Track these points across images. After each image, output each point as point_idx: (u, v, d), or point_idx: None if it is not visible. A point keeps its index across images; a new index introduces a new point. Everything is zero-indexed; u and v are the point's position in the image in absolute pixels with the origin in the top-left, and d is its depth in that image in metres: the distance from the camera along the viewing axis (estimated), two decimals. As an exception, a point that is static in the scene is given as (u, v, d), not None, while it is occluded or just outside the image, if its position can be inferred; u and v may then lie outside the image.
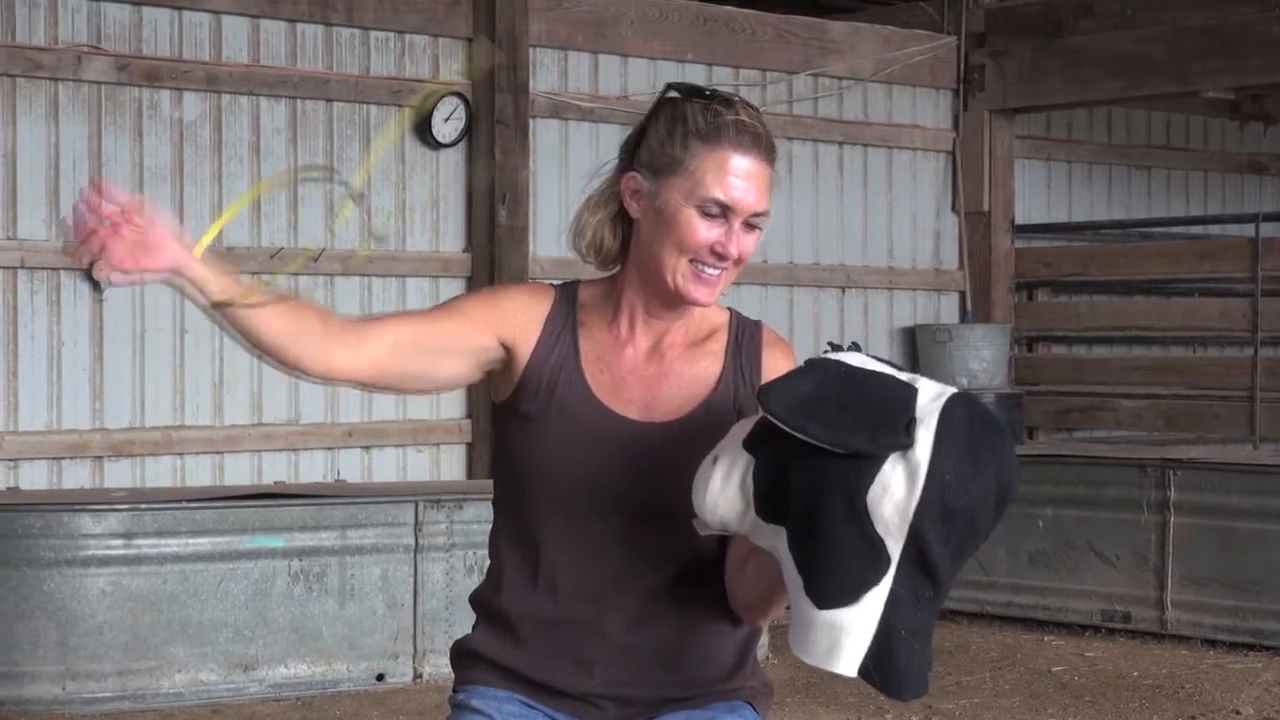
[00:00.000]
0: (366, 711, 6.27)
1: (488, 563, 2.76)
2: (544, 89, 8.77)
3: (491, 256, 8.45)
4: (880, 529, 2.25)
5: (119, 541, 6.25)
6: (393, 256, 8.37)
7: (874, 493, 2.24)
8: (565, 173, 8.82)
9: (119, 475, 7.63)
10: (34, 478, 7.43)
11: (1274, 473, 7.40)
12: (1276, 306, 9.53)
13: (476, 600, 2.76)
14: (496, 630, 2.69)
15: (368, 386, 2.62)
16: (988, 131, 10.21)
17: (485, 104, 8.46)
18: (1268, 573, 7.28)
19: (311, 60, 8.18)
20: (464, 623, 2.96)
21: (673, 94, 2.63)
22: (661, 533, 2.60)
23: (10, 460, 7.39)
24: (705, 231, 2.57)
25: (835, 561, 2.27)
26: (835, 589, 2.27)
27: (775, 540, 2.36)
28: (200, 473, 7.86)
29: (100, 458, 7.60)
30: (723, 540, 2.61)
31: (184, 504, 6.42)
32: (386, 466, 8.37)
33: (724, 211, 2.57)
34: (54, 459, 7.50)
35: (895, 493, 2.24)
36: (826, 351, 2.40)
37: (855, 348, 2.43)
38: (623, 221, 2.67)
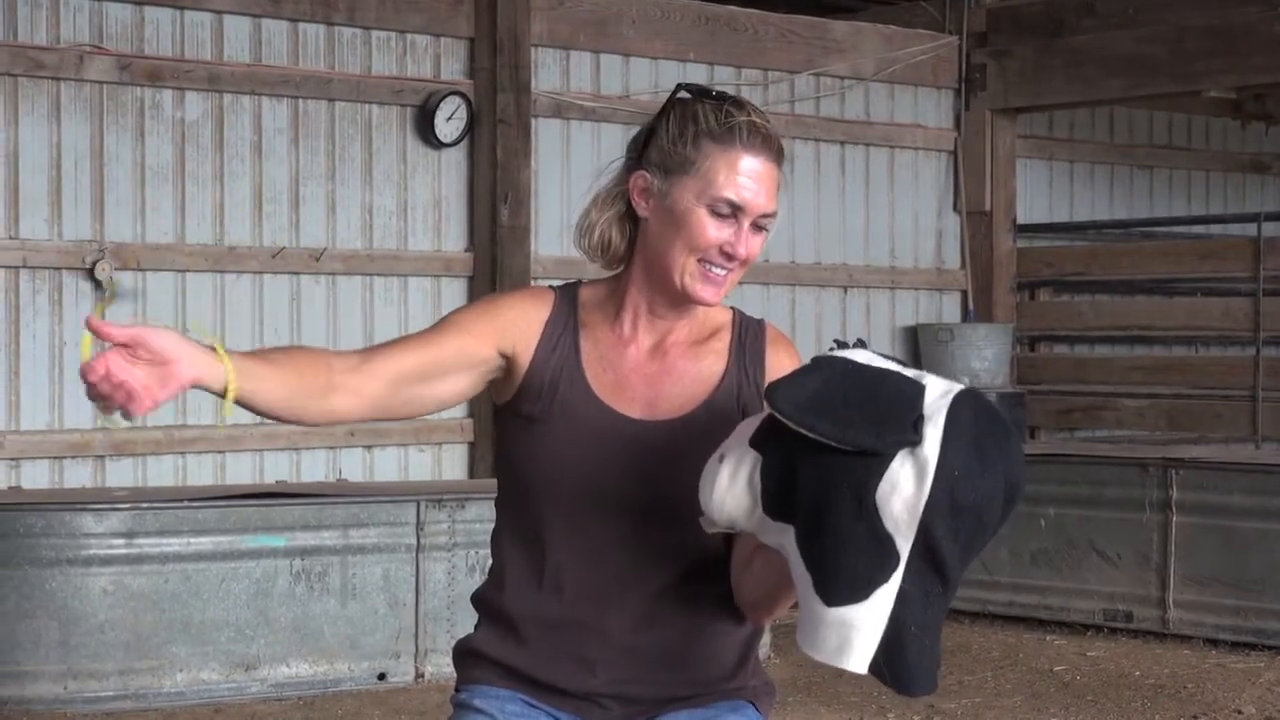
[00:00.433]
0: (368, 711, 6.27)
1: (490, 562, 2.76)
2: (546, 88, 8.77)
3: (493, 256, 8.45)
4: (889, 526, 2.25)
5: (121, 541, 6.24)
6: (395, 256, 8.37)
7: (883, 490, 2.24)
8: (567, 172, 8.82)
9: (121, 474, 7.64)
10: (36, 477, 7.43)
11: (1276, 472, 7.39)
12: (1278, 306, 9.53)
13: (479, 600, 2.76)
14: (499, 630, 2.69)
15: (372, 420, 2.62)
16: (990, 131, 10.22)
17: (487, 104, 8.46)
18: (1270, 572, 7.28)
19: (313, 60, 8.18)
20: (466, 622, 2.96)
21: (684, 94, 2.64)
22: (665, 531, 2.60)
23: (12, 460, 7.40)
24: (715, 231, 2.57)
25: (844, 559, 2.26)
26: (845, 586, 2.27)
27: (782, 538, 2.36)
28: (202, 472, 7.86)
29: (102, 457, 7.60)
30: (727, 538, 2.61)
31: (186, 503, 6.42)
32: (388, 466, 8.38)
33: (734, 212, 2.57)
34: (56, 458, 7.50)
35: (904, 489, 2.24)
36: (833, 349, 2.40)
37: (861, 344, 2.43)
38: (630, 221, 2.67)
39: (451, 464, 8.56)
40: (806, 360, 2.44)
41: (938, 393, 2.30)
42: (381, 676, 6.57)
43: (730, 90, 2.72)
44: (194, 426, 7.82)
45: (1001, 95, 10.15)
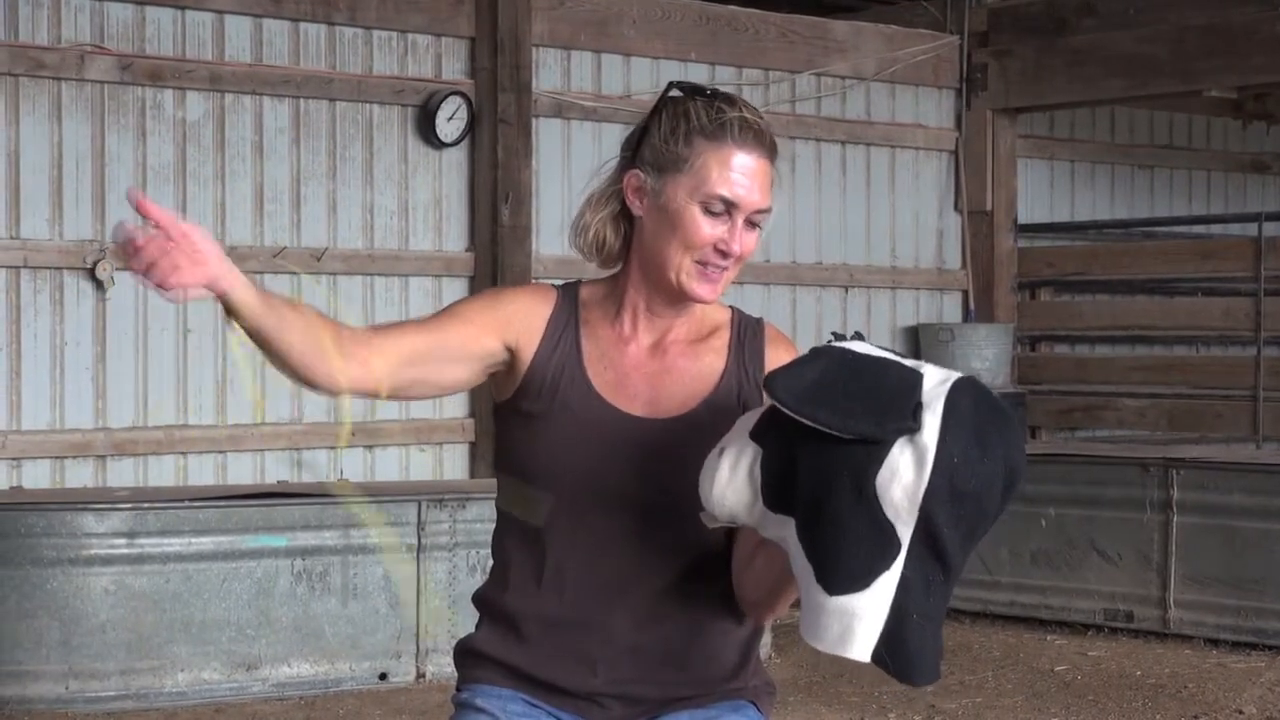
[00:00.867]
0: (369, 711, 6.27)
1: (491, 562, 2.76)
2: (547, 88, 8.77)
3: (494, 256, 8.45)
4: (890, 513, 2.25)
5: (122, 541, 6.25)
6: (396, 256, 8.37)
7: (882, 477, 2.25)
8: (568, 172, 8.82)
9: (122, 474, 7.64)
10: (37, 477, 7.43)
11: (1277, 472, 7.39)
12: (1279, 306, 9.53)
13: (480, 599, 2.76)
14: (500, 629, 2.69)
15: (372, 396, 2.62)
16: (990, 131, 10.21)
17: (488, 103, 8.46)
18: (1270, 572, 7.28)
19: (314, 60, 8.18)
20: (467, 622, 2.96)
21: (675, 92, 2.64)
22: (666, 530, 2.61)
23: (13, 459, 7.40)
24: (709, 229, 2.58)
25: (845, 547, 2.27)
26: (846, 575, 2.27)
27: (783, 530, 2.36)
28: (203, 472, 7.86)
29: (103, 457, 7.60)
30: (728, 537, 2.61)
31: (187, 503, 6.42)
32: (389, 466, 8.37)
33: (728, 208, 2.57)
34: (57, 458, 7.50)
35: (904, 477, 2.24)
36: (830, 341, 2.41)
37: (859, 336, 2.43)
38: (625, 219, 2.67)
39: (452, 464, 8.56)
40: (806, 357, 2.44)
41: (936, 380, 2.30)
42: (383, 676, 6.57)
43: (731, 90, 2.72)
44: (195, 426, 7.82)
45: (1002, 95, 10.15)
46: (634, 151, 2.64)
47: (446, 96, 8.37)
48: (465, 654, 2.74)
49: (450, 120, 8.40)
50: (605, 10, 8.98)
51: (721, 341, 2.70)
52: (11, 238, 7.44)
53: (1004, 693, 6.61)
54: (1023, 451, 2.32)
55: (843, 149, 9.91)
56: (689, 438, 2.58)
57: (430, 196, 8.51)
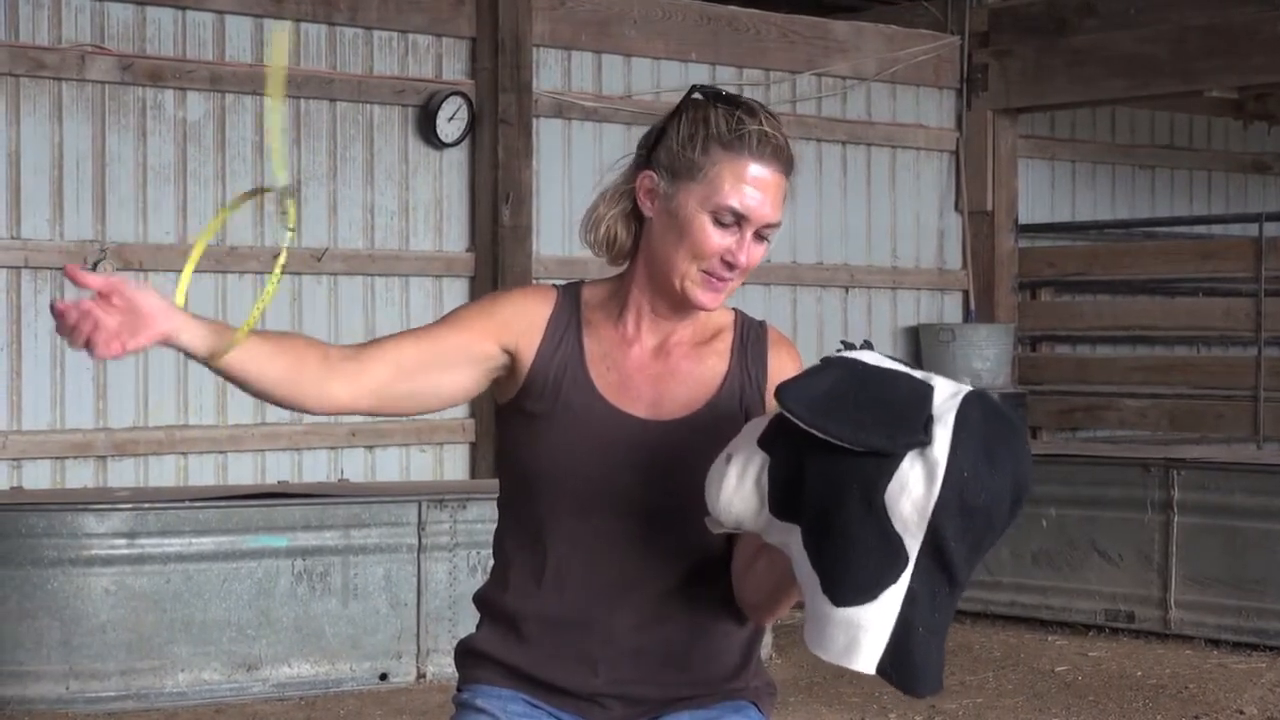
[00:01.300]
0: (370, 711, 6.27)
1: (491, 562, 2.76)
2: (547, 88, 8.77)
3: (495, 256, 8.45)
4: (898, 526, 2.25)
5: (122, 541, 6.25)
6: (396, 256, 8.37)
7: (892, 490, 2.25)
8: (568, 172, 8.82)
9: (122, 475, 7.64)
10: (37, 477, 7.43)
11: (1278, 472, 7.39)
12: (1279, 306, 9.53)
13: (481, 599, 2.76)
14: (501, 629, 2.69)
15: (373, 413, 2.61)
16: (991, 131, 10.21)
17: (489, 103, 8.46)
18: (1271, 572, 7.27)
19: (315, 60, 8.18)
20: (468, 622, 2.96)
21: (698, 95, 2.62)
22: (668, 531, 2.60)
23: (14, 460, 7.40)
24: (717, 239, 2.57)
25: (853, 559, 2.27)
26: (853, 587, 2.27)
27: (788, 538, 2.36)
28: (204, 472, 7.86)
29: (104, 457, 7.60)
30: (729, 539, 2.61)
31: (187, 503, 6.42)
32: (390, 466, 8.37)
33: (737, 220, 2.56)
34: (57, 458, 7.50)
35: (914, 490, 2.24)
36: (840, 350, 2.40)
37: (868, 346, 2.42)
38: (635, 219, 2.66)
39: (453, 464, 8.56)
40: (807, 361, 2.44)
41: (946, 394, 2.30)
42: (383, 677, 6.57)
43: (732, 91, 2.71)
44: (195, 427, 7.82)
45: (1003, 95, 10.14)
46: (649, 152, 2.63)
47: (447, 97, 8.37)
48: (466, 654, 2.74)
49: (451, 120, 8.40)
50: (606, 10, 8.98)
51: (725, 344, 2.70)
52: (12, 238, 7.44)
53: (1005, 693, 6.61)
54: (1031, 467, 2.32)
55: (843, 149, 9.91)
56: (691, 440, 2.58)
57: (431, 197, 8.51)
